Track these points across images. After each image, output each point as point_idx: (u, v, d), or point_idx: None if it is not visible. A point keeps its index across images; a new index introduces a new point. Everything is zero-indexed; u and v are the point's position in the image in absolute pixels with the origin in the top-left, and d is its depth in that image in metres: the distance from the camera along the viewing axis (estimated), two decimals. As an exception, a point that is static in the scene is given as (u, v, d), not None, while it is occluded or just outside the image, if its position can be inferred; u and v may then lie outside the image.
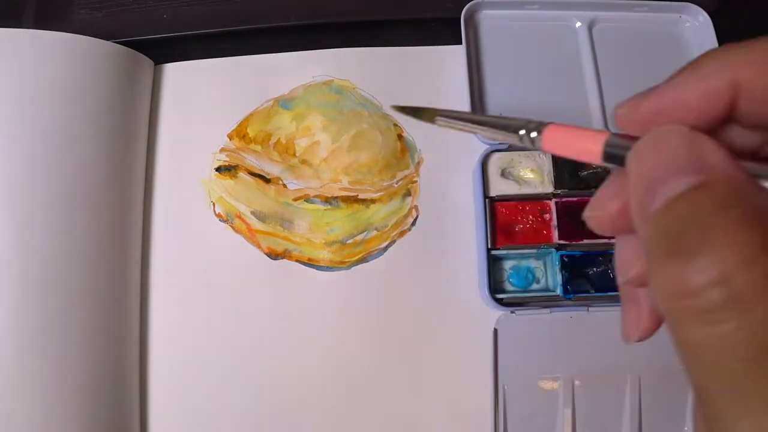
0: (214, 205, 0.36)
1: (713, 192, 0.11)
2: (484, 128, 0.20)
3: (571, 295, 0.33)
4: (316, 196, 0.36)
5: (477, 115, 0.23)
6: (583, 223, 0.17)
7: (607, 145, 0.14)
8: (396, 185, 0.37)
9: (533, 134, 0.17)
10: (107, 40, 0.35)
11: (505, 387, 0.33)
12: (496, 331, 0.33)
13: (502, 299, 0.34)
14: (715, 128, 0.14)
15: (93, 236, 0.32)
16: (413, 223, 0.36)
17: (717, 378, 0.11)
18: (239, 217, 0.36)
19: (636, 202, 0.13)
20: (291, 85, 0.38)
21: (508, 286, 0.35)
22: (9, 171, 0.31)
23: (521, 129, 0.17)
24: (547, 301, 0.34)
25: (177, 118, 0.38)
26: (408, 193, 0.37)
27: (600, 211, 0.15)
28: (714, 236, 0.11)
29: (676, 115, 0.14)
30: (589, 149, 0.15)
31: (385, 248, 0.36)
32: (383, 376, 0.34)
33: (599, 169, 0.35)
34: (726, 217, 0.11)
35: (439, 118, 0.22)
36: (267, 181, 0.36)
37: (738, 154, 0.12)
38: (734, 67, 0.13)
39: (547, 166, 0.35)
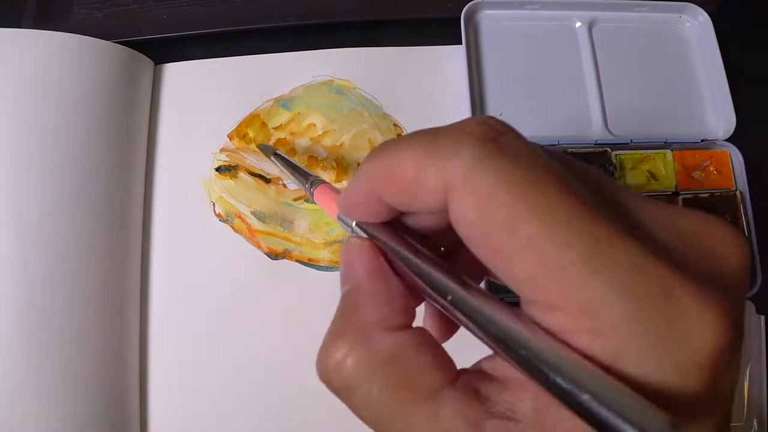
0: (214, 205, 0.36)
1: (345, 299, 0.16)
2: (291, 173, 0.30)
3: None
4: (316, 196, 0.36)
5: (289, 161, 0.31)
6: None
7: (338, 217, 0.18)
8: (396, 185, 0.37)
9: (312, 188, 0.24)
10: (107, 40, 0.35)
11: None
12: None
13: (502, 299, 0.34)
14: (394, 214, 0.16)
15: (93, 236, 0.32)
16: (413, 223, 0.36)
17: (369, 428, 0.15)
18: (239, 217, 0.36)
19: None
20: (291, 85, 0.38)
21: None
22: (8, 171, 0.31)
23: (307, 182, 0.25)
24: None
25: (177, 118, 0.38)
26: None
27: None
28: (330, 338, 0.15)
29: (357, 211, 0.17)
30: (332, 212, 0.20)
31: (385, 248, 0.36)
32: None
33: (599, 169, 0.35)
34: (339, 321, 0.15)
35: (273, 157, 0.32)
36: (267, 181, 0.36)
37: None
38: (369, 177, 0.16)
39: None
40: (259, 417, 0.33)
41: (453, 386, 0.14)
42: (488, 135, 0.13)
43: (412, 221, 0.17)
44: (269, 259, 0.35)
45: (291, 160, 0.31)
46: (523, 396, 0.13)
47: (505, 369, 0.14)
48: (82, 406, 0.31)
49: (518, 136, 0.13)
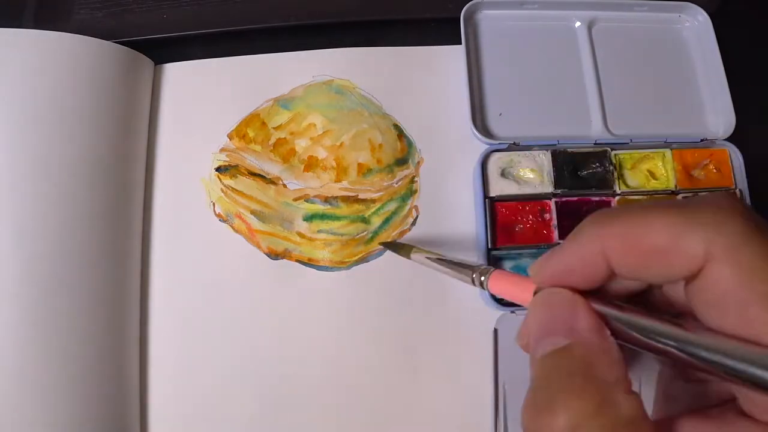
0: (214, 205, 0.36)
1: (570, 355, 0.14)
2: (446, 270, 0.26)
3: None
4: (316, 196, 0.36)
5: (441, 258, 0.27)
6: None
7: (535, 293, 0.17)
8: (396, 185, 0.37)
9: (483, 278, 0.21)
10: (107, 40, 0.35)
11: (505, 387, 0.33)
12: (496, 331, 0.34)
13: (502, 299, 0.34)
14: (605, 281, 0.16)
15: (93, 236, 0.32)
16: (413, 223, 0.36)
17: None
18: (239, 217, 0.36)
19: (531, 346, 0.16)
20: (291, 85, 0.38)
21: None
22: (8, 171, 0.31)
23: (474, 272, 0.22)
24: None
25: (177, 118, 0.38)
26: (408, 193, 0.37)
27: (523, 340, 0.17)
28: (557, 399, 0.14)
29: (565, 275, 0.16)
30: (522, 297, 0.18)
31: (386, 248, 0.36)
32: (383, 376, 0.34)
33: (599, 169, 0.35)
34: (570, 383, 0.14)
35: (413, 254, 0.30)
36: (267, 181, 0.36)
37: (627, 297, 0.16)
38: (601, 239, 0.15)
39: (547, 166, 0.35)
40: (259, 417, 0.33)
41: None
42: (747, 213, 0.14)
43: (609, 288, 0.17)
44: (269, 259, 0.35)
45: (443, 257, 0.28)
46: None
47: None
48: (82, 406, 0.31)
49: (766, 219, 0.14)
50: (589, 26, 0.39)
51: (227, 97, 0.38)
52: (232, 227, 0.36)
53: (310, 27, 0.39)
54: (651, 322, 0.15)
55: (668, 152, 0.36)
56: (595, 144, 0.36)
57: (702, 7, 0.39)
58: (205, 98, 0.38)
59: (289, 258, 0.35)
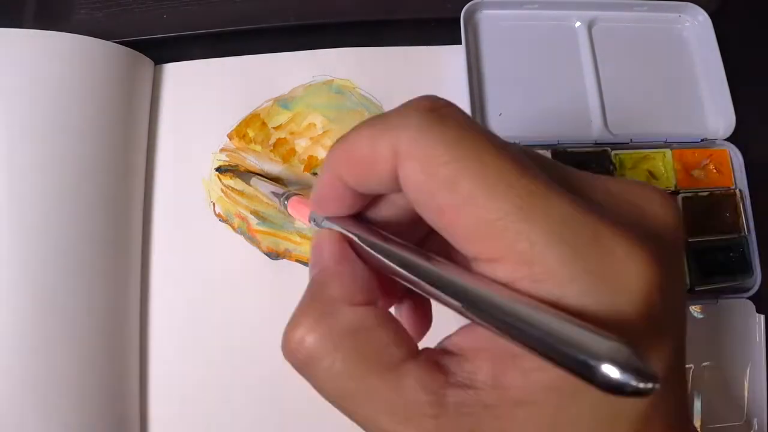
0: (214, 205, 0.36)
1: (312, 281, 0.16)
2: (263, 190, 0.32)
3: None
4: (316, 196, 0.36)
5: (267, 186, 0.32)
6: None
7: (310, 218, 0.19)
8: (396, 185, 0.37)
9: (286, 201, 0.25)
10: (107, 40, 0.35)
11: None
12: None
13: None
14: (361, 200, 0.17)
15: (93, 236, 0.32)
16: (413, 223, 0.36)
17: (331, 404, 0.15)
18: (239, 216, 0.36)
19: None
20: (291, 85, 0.38)
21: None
22: (8, 171, 0.31)
23: (280, 198, 0.26)
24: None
25: (177, 118, 0.38)
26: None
27: None
28: (295, 317, 0.16)
29: (327, 204, 0.18)
30: (303, 217, 0.21)
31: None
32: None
33: (599, 169, 0.35)
34: (304, 301, 0.16)
35: (252, 181, 0.34)
36: (267, 181, 0.36)
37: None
38: (332, 163, 0.16)
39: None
40: (259, 417, 0.33)
41: (415, 360, 0.14)
42: (431, 107, 0.15)
43: (380, 214, 0.18)
44: (269, 259, 0.35)
45: (261, 181, 0.33)
46: (481, 365, 0.14)
47: (464, 343, 0.15)
48: (82, 406, 0.31)
49: (458, 109, 0.15)
50: (589, 26, 0.39)
51: (227, 97, 0.38)
52: (232, 227, 0.36)
53: (310, 27, 0.39)
54: (392, 248, 0.16)
55: (668, 152, 0.36)
56: (595, 144, 0.36)
57: (702, 7, 0.39)
58: (205, 98, 0.38)
59: (289, 258, 0.35)
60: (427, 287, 0.14)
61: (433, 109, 0.15)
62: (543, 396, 0.13)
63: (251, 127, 0.37)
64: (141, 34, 0.38)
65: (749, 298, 0.35)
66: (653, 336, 0.13)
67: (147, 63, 0.37)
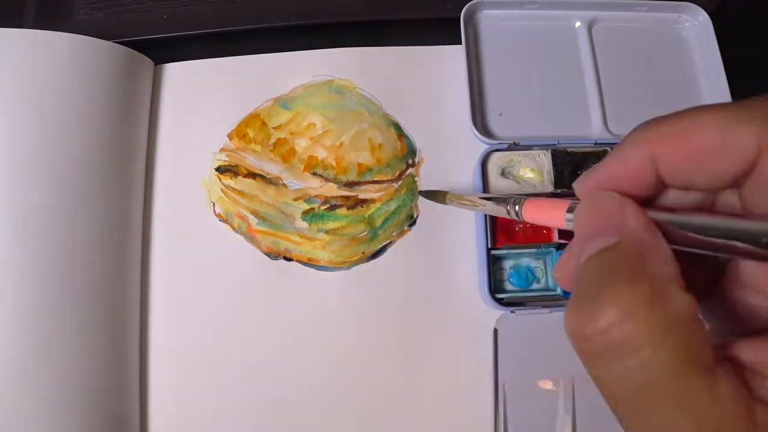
0: (214, 205, 0.36)
1: (619, 251, 0.13)
2: (480, 207, 0.27)
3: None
4: (316, 196, 0.36)
5: (476, 196, 0.28)
6: None
7: (568, 211, 0.17)
8: (396, 185, 0.37)
9: (516, 207, 0.21)
10: (107, 40, 0.35)
11: (505, 387, 0.33)
12: (496, 331, 0.33)
13: (502, 299, 0.34)
14: (654, 193, 0.16)
15: (93, 236, 0.32)
16: (413, 223, 0.36)
17: (614, 405, 0.13)
18: (239, 216, 0.36)
19: (575, 257, 0.15)
20: (291, 85, 0.38)
21: (509, 286, 0.35)
22: (8, 171, 0.31)
23: (508, 204, 0.22)
24: (547, 301, 0.34)
25: (177, 118, 0.38)
26: (408, 193, 0.37)
27: (561, 272, 0.17)
28: (604, 293, 0.13)
29: (610, 187, 0.16)
30: (556, 216, 0.17)
31: (385, 248, 0.36)
32: (383, 376, 0.34)
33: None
34: (618, 275, 0.13)
35: (449, 199, 0.31)
36: (267, 180, 0.36)
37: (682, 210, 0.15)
38: (648, 143, 0.15)
39: (547, 165, 0.35)
40: (259, 417, 0.33)
41: (723, 366, 0.12)
42: None
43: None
44: (269, 259, 0.35)
45: (475, 195, 0.29)
46: None
47: (758, 357, 0.13)
48: (82, 406, 0.31)
49: None
50: (589, 26, 0.39)
51: (227, 97, 0.38)
52: (232, 227, 0.36)
53: (310, 27, 0.39)
54: (709, 219, 0.14)
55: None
56: (595, 144, 0.36)
57: (702, 7, 0.39)
58: (205, 98, 0.38)
59: (289, 258, 0.35)
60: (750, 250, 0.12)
61: None
62: None
63: (251, 127, 0.37)
64: (141, 34, 0.38)
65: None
66: None
67: (147, 63, 0.37)
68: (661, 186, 0.15)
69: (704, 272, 0.17)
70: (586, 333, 0.13)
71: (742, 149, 0.13)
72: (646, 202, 0.16)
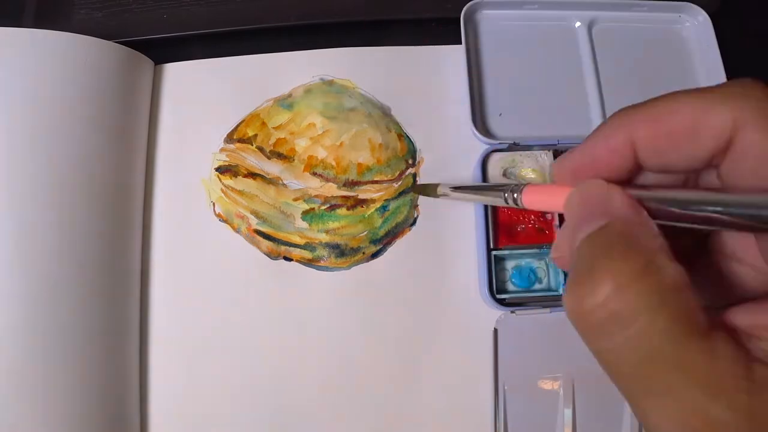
0: (214, 205, 0.36)
1: (609, 231, 0.14)
2: (477, 196, 0.26)
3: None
4: (316, 196, 0.36)
5: (469, 186, 0.28)
6: None
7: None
8: (396, 185, 0.37)
9: (515, 195, 0.21)
10: (107, 40, 0.35)
11: (505, 386, 0.33)
12: (496, 331, 0.33)
13: (503, 299, 0.34)
14: (634, 175, 0.16)
15: (93, 236, 0.32)
16: (413, 223, 0.36)
17: (617, 377, 0.14)
18: (239, 216, 0.36)
19: (569, 243, 0.16)
20: (291, 85, 0.38)
21: (510, 286, 0.35)
22: (8, 170, 0.31)
23: (505, 192, 0.22)
24: (547, 301, 0.34)
25: (177, 118, 0.38)
26: (408, 193, 0.37)
27: (558, 252, 0.18)
28: (598, 268, 0.14)
29: (591, 169, 0.16)
30: (555, 203, 0.18)
31: (385, 248, 0.36)
32: (383, 376, 0.34)
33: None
34: (610, 251, 0.14)
35: (440, 191, 0.30)
36: (267, 181, 0.36)
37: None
38: (627, 127, 0.16)
39: (549, 166, 0.35)
40: (259, 417, 0.33)
41: (720, 329, 0.13)
42: (763, 84, 0.14)
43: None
44: (269, 259, 0.35)
45: (470, 184, 0.29)
46: None
47: (752, 321, 0.14)
48: (82, 406, 0.31)
49: None
50: (589, 26, 0.39)
51: (227, 97, 0.38)
52: (232, 227, 0.36)
53: (310, 27, 0.39)
54: (689, 194, 0.14)
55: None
56: (595, 144, 0.36)
57: (702, 7, 0.39)
58: (205, 98, 0.38)
59: (289, 258, 0.35)
60: (728, 219, 0.13)
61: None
62: None
63: (251, 127, 0.37)
64: (141, 34, 0.38)
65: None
66: None
67: (147, 63, 0.37)
68: (639, 169, 0.16)
69: (688, 245, 0.18)
70: (585, 308, 0.13)
71: (717, 127, 0.14)
72: (626, 184, 0.16)
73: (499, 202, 0.23)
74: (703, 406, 0.12)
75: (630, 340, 0.13)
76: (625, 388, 0.13)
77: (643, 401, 0.13)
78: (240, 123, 0.37)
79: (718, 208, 0.14)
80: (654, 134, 0.15)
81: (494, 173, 0.35)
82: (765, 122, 0.13)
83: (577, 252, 0.15)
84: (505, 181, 0.35)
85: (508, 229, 0.34)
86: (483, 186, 0.25)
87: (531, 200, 0.20)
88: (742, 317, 0.14)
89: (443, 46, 0.39)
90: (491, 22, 0.39)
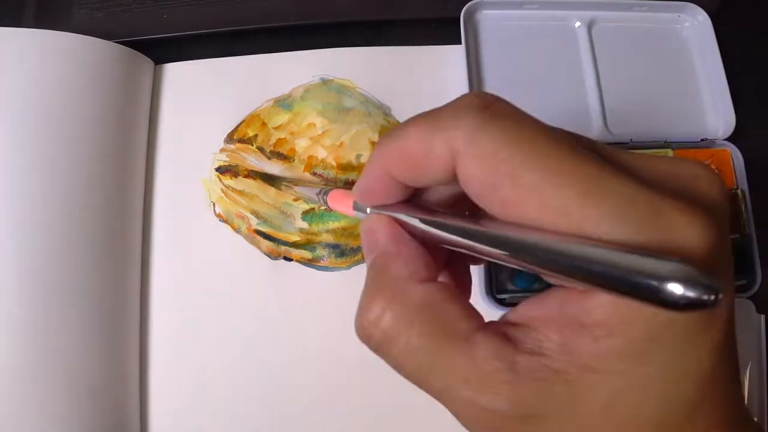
0: (214, 205, 0.36)
1: (374, 264, 0.17)
2: (305, 192, 0.31)
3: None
4: (316, 196, 0.36)
5: (295, 182, 0.33)
6: None
7: (354, 207, 0.19)
8: (396, 185, 0.37)
9: (325, 196, 0.24)
10: (107, 40, 0.35)
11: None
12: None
13: (503, 299, 0.34)
14: (408, 191, 0.18)
15: (93, 236, 0.32)
16: (413, 223, 0.36)
17: (411, 382, 0.16)
18: (239, 216, 0.36)
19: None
20: (291, 85, 0.38)
21: (510, 287, 0.35)
22: (8, 170, 0.31)
23: (320, 193, 0.25)
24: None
25: (177, 118, 0.38)
26: None
27: (333, 203, 0.22)
28: (368, 294, 0.16)
29: (372, 195, 0.18)
30: (347, 207, 0.20)
31: (385, 248, 0.36)
32: (383, 376, 0.34)
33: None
34: (374, 281, 0.16)
35: (283, 185, 0.34)
36: (267, 181, 0.36)
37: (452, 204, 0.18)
38: (382, 159, 0.17)
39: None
40: (259, 416, 0.33)
41: (484, 331, 0.15)
42: (482, 105, 0.15)
43: (423, 198, 0.18)
44: (269, 259, 0.35)
45: (297, 186, 0.34)
46: (549, 333, 0.14)
47: (531, 313, 0.15)
48: (82, 406, 0.31)
49: (507, 103, 0.15)
50: (589, 26, 0.39)
51: (227, 97, 0.38)
52: (232, 227, 0.36)
53: (310, 27, 0.39)
54: (446, 220, 0.16)
55: (669, 152, 0.36)
56: (595, 144, 0.36)
57: (702, 7, 0.39)
58: (205, 98, 0.38)
59: (290, 258, 0.35)
60: (487, 249, 0.14)
61: (485, 107, 0.15)
62: (612, 361, 0.13)
63: (251, 127, 0.37)
64: (141, 34, 0.38)
65: (749, 297, 0.35)
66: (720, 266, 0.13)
67: (147, 63, 0.37)
68: (412, 189, 0.18)
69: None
70: (365, 328, 0.16)
71: (440, 157, 0.15)
72: (409, 196, 0.18)
73: (315, 200, 0.27)
74: (472, 399, 0.14)
75: (401, 355, 0.15)
76: (422, 389, 0.15)
77: (437, 399, 0.15)
78: (240, 123, 0.37)
79: (465, 240, 0.15)
80: (397, 162, 0.16)
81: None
82: (474, 147, 0.14)
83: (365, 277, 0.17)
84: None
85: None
86: (310, 185, 0.31)
87: (333, 202, 0.23)
88: (523, 310, 0.16)
89: (443, 46, 0.39)
90: (491, 22, 0.39)
